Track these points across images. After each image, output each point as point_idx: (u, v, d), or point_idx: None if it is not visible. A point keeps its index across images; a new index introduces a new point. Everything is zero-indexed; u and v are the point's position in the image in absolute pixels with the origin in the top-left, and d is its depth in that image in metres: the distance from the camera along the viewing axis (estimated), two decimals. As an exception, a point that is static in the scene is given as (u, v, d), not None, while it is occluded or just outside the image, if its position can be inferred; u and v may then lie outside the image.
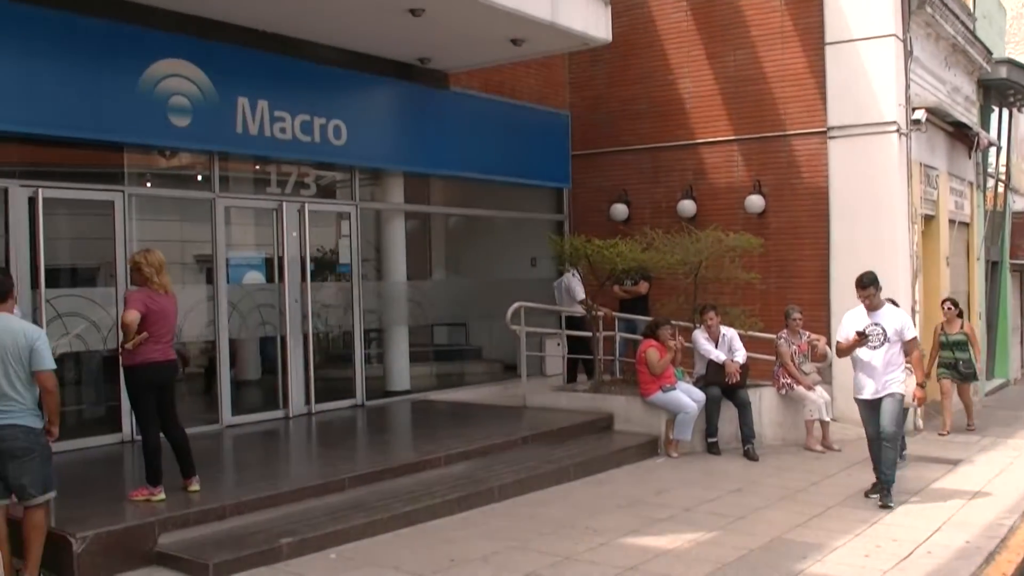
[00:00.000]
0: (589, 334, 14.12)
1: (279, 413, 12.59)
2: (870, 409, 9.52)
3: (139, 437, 8.44)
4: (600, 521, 8.56)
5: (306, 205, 12.84)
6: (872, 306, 9.56)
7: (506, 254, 17.10)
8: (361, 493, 8.91)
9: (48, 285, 10.11)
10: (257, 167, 12.97)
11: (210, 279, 12.02)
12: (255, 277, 12.83)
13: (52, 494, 6.86)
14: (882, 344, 9.41)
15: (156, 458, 8.14)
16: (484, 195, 16.05)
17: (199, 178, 12.08)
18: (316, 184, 13.66)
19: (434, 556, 7.57)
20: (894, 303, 10.40)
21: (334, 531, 7.93)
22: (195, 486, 8.38)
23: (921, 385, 9.86)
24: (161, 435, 8.26)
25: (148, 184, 11.69)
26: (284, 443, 11.78)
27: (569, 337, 14.83)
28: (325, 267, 14.12)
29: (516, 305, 13.50)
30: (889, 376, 9.40)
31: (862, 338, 9.43)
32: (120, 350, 8.22)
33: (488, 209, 16.35)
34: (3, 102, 9.63)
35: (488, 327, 16.37)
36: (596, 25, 12.89)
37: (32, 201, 10.05)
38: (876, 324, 9.46)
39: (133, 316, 7.93)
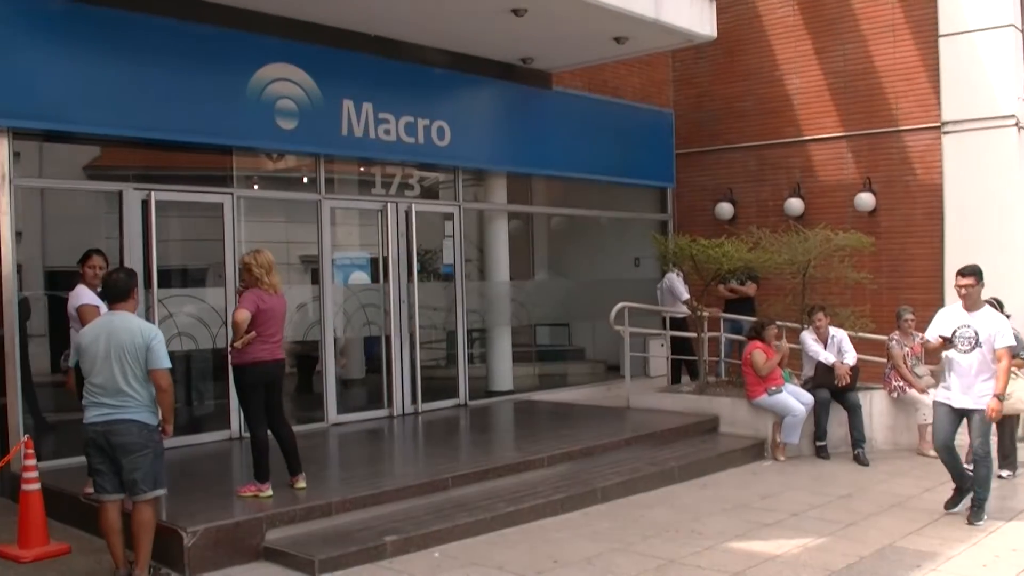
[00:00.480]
0: (693, 335, 13.97)
1: (383, 412, 12.70)
2: (949, 416, 8.70)
3: (247, 434, 8.56)
4: (705, 525, 8.45)
5: (412, 206, 12.92)
6: (970, 305, 8.67)
7: (609, 254, 17.01)
8: (464, 492, 8.92)
9: (160, 285, 10.34)
10: (361, 169, 13.10)
11: (315, 279, 12.17)
12: (360, 277, 12.95)
13: (161, 491, 6.96)
14: (972, 349, 8.54)
15: (264, 455, 8.25)
16: (587, 195, 16.00)
17: (305, 180, 12.25)
18: (420, 185, 13.75)
19: (537, 557, 7.53)
20: (997, 304, 9.95)
21: (438, 530, 7.94)
22: (301, 483, 8.48)
23: (999, 397, 8.55)
24: (269, 433, 8.37)
25: (256, 186, 11.88)
26: (388, 442, 11.87)
27: (673, 338, 14.69)
28: (429, 267, 14.20)
29: (620, 305, 13.40)
30: (981, 386, 8.52)
31: (947, 343, 8.62)
32: (230, 349, 8.35)
33: (591, 209, 16.30)
34: (118, 108, 9.91)
35: (591, 327, 16.33)
36: (700, 22, 12.76)
37: (145, 204, 10.28)
38: (968, 326, 8.60)
39: (243, 315, 8.06)
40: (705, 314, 13.38)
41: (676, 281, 14.46)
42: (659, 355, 15.34)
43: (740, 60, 16.66)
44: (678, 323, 14.62)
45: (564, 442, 10.65)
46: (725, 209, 16.57)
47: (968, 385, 8.57)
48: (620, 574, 7.13)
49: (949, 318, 8.83)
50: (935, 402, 8.94)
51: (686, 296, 14.12)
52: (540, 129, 14.48)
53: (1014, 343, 8.77)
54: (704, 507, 9.09)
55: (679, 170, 17.15)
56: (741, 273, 13.77)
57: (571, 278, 16.96)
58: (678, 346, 14.72)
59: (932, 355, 9.24)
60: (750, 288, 14.55)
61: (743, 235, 13.24)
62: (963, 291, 8.66)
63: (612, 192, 16.18)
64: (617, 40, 12.77)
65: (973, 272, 8.68)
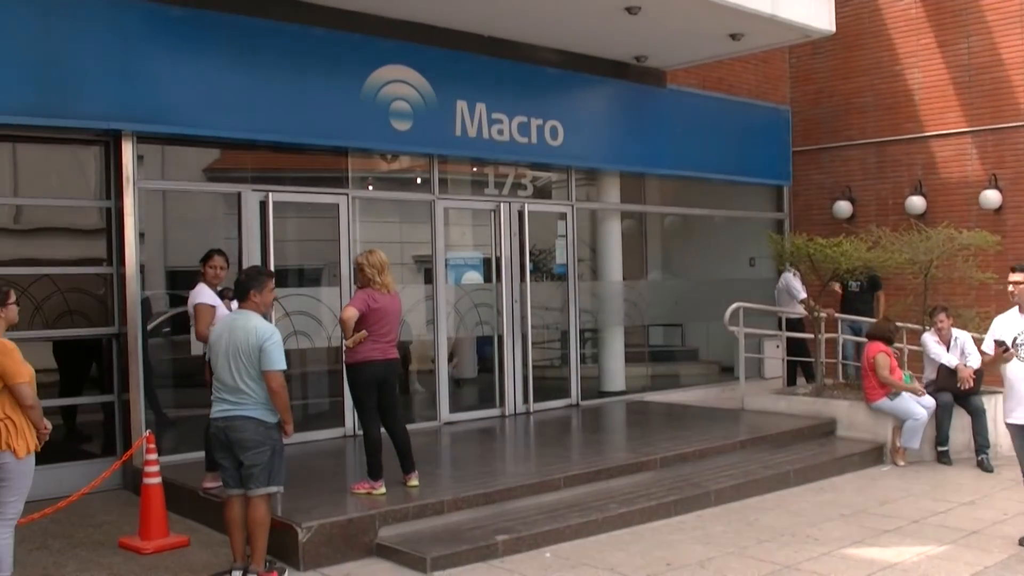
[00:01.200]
0: (810, 336, 13.72)
1: (495, 412, 12.75)
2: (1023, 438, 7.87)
3: (361, 432, 8.66)
4: (821, 530, 8.28)
5: (525, 205, 12.95)
6: None
7: (723, 254, 16.82)
8: (576, 493, 8.89)
9: (277, 285, 10.48)
10: (474, 169, 13.17)
11: (428, 279, 12.27)
12: (473, 277, 13.01)
13: (276, 489, 7.05)
14: None
15: (377, 453, 8.33)
16: (701, 194, 15.85)
17: (418, 180, 12.35)
18: (532, 185, 13.77)
19: (649, 559, 7.47)
20: None
21: (549, 530, 7.93)
22: (414, 482, 8.53)
23: None
24: (383, 431, 8.46)
25: (370, 187, 12.02)
26: (500, 441, 11.91)
27: (789, 339, 14.46)
28: (541, 267, 14.20)
29: (735, 306, 13.24)
30: None
31: (1003, 350, 7.78)
32: (343, 348, 8.45)
33: (705, 208, 16.14)
34: (237, 111, 10.15)
35: (705, 328, 16.19)
36: (818, 16, 12.54)
37: (263, 205, 10.49)
38: None
39: (350, 313, 8.15)
40: (822, 315, 13.13)
41: (792, 281, 14.23)
42: (774, 356, 15.11)
43: (859, 55, 16.32)
44: (794, 324, 14.39)
45: (677, 443, 10.56)
46: (843, 207, 16.26)
47: None
48: (733, 579, 7.05)
49: (1006, 324, 7.96)
50: (1008, 424, 7.96)
51: (803, 296, 13.88)
52: (654, 128, 14.38)
53: None
54: (820, 512, 8.92)
55: (796, 168, 16.89)
56: (859, 274, 13.42)
57: (685, 278, 16.81)
58: (794, 347, 14.47)
59: (990, 368, 8.37)
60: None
61: (862, 234, 12.95)
62: (1017, 288, 7.86)
63: (727, 191, 16.00)
64: (732, 37, 12.61)
65: None
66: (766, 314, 14.76)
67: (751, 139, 15.99)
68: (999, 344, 7.83)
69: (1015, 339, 7.77)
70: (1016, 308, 7.91)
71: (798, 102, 17.09)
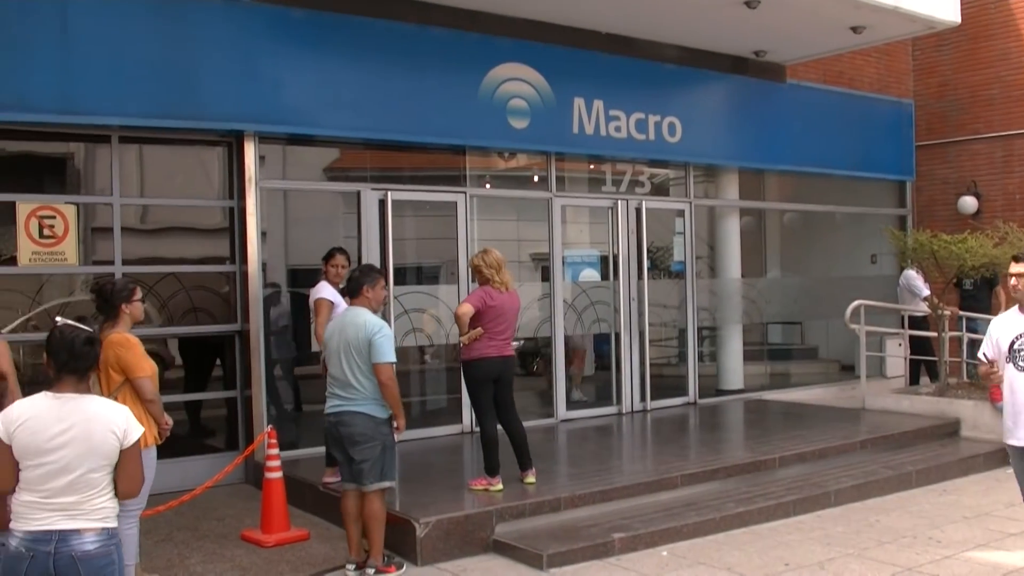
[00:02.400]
0: (933, 334, 13.39)
1: (612, 409, 12.71)
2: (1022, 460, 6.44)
3: (478, 428, 8.72)
4: (944, 532, 8.08)
5: (643, 202, 12.89)
6: None
7: (844, 250, 16.52)
8: (693, 491, 8.84)
9: (396, 282, 10.65)
10: (591, 166, 13.15)
11: (545, 277, 12.29)
12: (590, 275, 12.99)
13: (387, 483, 7.12)
14: None
15: (493, 450, 8.37)
16: (820, 190, 15.57)
17: (535, 179, 12.38)
18: (650, 182, 13.70)
19: (767, 559, 7.39)
20: None
21: (665, 528, 7.89)
22: (531, 478, 8.56)
23: None
24: (499, 427, 8.50)
25: (487, 185, 12.09)
26: (617, 439, 11.87)
27: (912, 337, 14.12)
28: (659, 265, 14.12)
29: (856, 303, 12.97)
30: None
31: (991, 364, 6.33)
32: (460, 345, 8.52)
33: (825, 204, 15.85)
34: (356, 111, 10.31)
35: (824, 326, 15.91)
36: (944, 7, 12.25)
37: (382, 203, 10.62)
38: None
39: (465, 310, 8.21)
40: (946, 313, 12.80)
41: (915, 278, 13.89)
42: (896, 355, 14.78)
43: (986, 46, 15.85)
44: (917, 322, 14.04)
45: (796, 443, 10.41)
46: (968, 203, 15.82)
47: None
48: (854, 581, 6.93)
49: (1004, 327, 6.40)
50: (1007, 445, 6.48)
51: (926, 293, 13.54)
52: (773, 123, 14.18)
53: None
54: (943, 514, 8.70)
55: (919, 162, 16.48)
56: (973, 272, 12.88)
57: (804, 275, 16.54)
58: (917, 346, 14.13)
59: (987, 379, 6.96)
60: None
61: (988, 230, 12.59)
62: (1016, 284, 6.29)
63: (847, 186, 15.69)
64: (854, 29, 12.38)
65: None
66: (888, 312, 14.43)
67: (873, 134, 15.66)
68: (989, 360, 6.36)
69: (1012, 344, 6.28)
70: (1016, 307, 6.37)
71: (921, 95, 16.67)
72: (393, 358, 7.03)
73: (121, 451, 4.27)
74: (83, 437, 4.21)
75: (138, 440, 4.35)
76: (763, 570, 7.14)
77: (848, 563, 7.26)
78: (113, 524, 4.31)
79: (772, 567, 7.21)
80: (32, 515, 4.18)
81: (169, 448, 6.62)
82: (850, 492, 9.14)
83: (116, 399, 6.21)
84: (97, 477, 4.24)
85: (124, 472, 4.31)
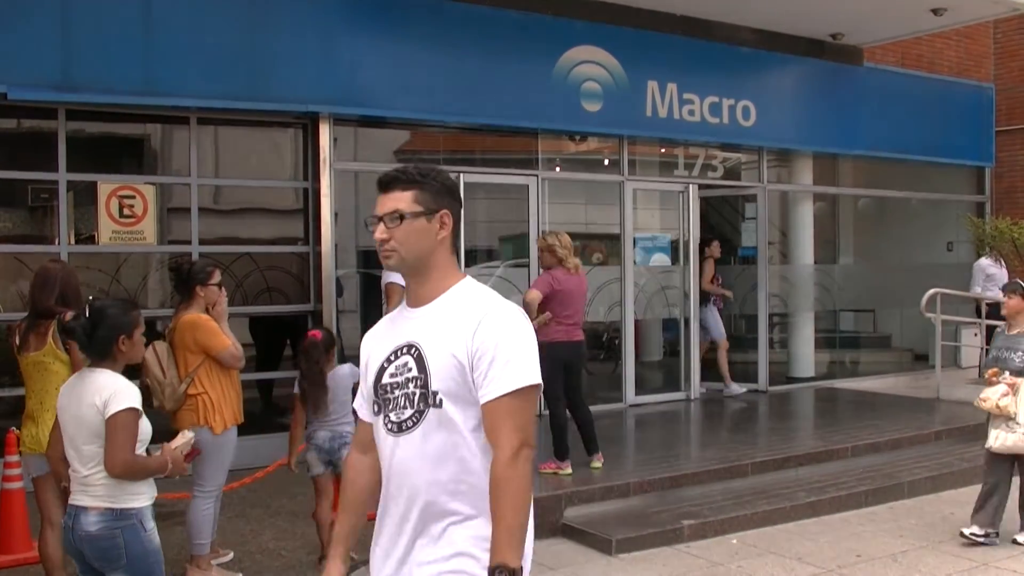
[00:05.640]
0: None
1: (681, 395, 12.65)
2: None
3: (547, 412, 8.72)
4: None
5: (714, 188, 12.78)
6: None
7: (919, 237, 16.25)
8: (763, 480, 8.80)
9: (467, 264, 10.68)
10: (663, 150, 13.06)
11: (613, 261, 12.26)
12: (660, 259, 12.92)
13: None
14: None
15: (563, 434, 8.39)
16: (895, 175, 15.33)
17: (606, 162, 12.33)
18: (722, 166, 13.58)
19: (839, 550, 7.33)
20: None
21: (735, 516, 7.87)
22: (598, 463, 8.58)
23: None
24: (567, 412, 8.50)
25: (558, 168, 12.06)
26: (685, 425, 11.82)
27: (989, 327, 13.86)
28: (730, 250, 14.01)
29: (931, 292, 12.76)
30: None
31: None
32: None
33: (901, 190, 15.60)
34: (429, 93, 10.34)
35: (898, 314, 15.69)
36: (1028, -11, 11.98)
37: (454, 185, 10.62)
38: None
39: (533, 295, 8.22)
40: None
41: (991, 268, 13.64)
42: (972, 345, 14.53)
43: (1070, 29, 15.50)
44: (995, 311, 13.78)
45: (868, 432, 10.29)
46: (1050, 190, 15.51)
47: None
48: (928, 574, 6.82)
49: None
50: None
51: (1006, 282, 13.29)
52: (849, 107, 13.95)
53: None
54: (1022, 508, 8.55)
55: (999, 148, 16.12)
56: None
57: (878, 262, 16.31)
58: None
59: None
60: None
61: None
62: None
63: (923, 172, 15.42)
64: (934, 12, 12.12)
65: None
66: (965, 300, 14.19)
67: (951, 119, 15.35)
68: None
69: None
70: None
71: (1003, 79, 16.32)
72: None
73: (104, 421, 4.25)
74: (75, 410, 4.32)
75: (122, 411, 4.23)
76: (835, 561, 7.08)
77: (922, 556, 7.18)
78: (121, 504, 4.29)
79: (844, 558, 7.14)
80: (72, 488, 4.36)
81: (242, 426, 6.67)
82: (924, 484, 9.02)
83: (194, 380, 6.32)
84: (90, 450, 4.28)
85: (105, 445, 4.25)
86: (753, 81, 12.87)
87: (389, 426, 3.06)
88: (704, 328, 12.87)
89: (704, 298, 12.71)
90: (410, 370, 3.01)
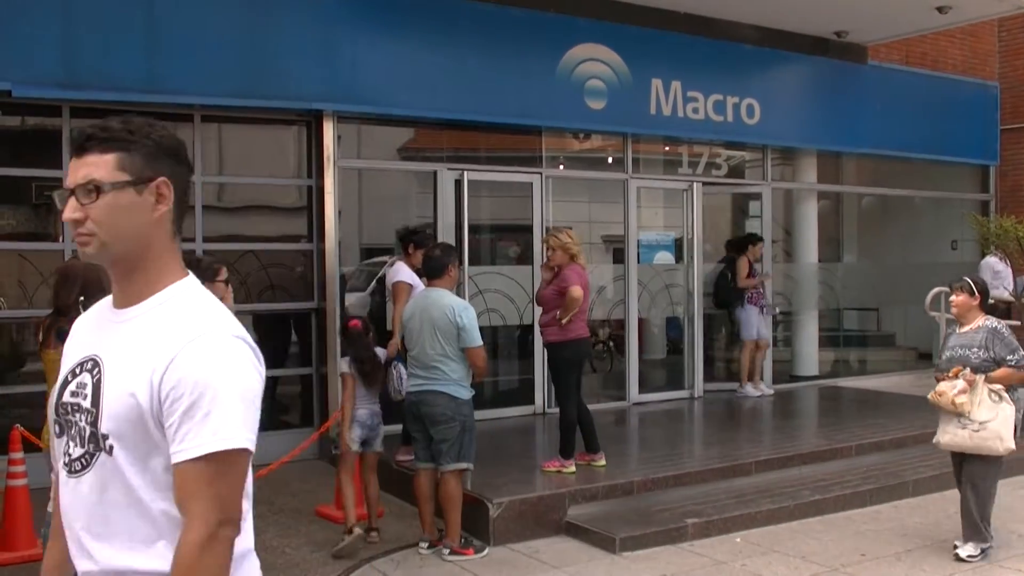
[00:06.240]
0: (1017, 322, 13.10)
1: (684, 393, 12.63)
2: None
3: (550, 410, 8.71)
4: (1027, 526, 7.93)
5: (718, 186, 12.75)
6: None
7: (923, 236, 16.23)
8: (767, 478, 8.77)
9: (470, 263, 10.67)
10: (667, 148, 13.04)
11: (617, 259, 12.23)
12: (664, 257, 12.91)
13: (464, 465, 7.13)
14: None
15: (573, 432, 8.39)
16: (899, 173, 15.31)
17: (610, 160, 12.31)
18: (726, 164, 13.56)
19: (843, 549, 7.31)
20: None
21: (739, 515, 7.85)
22: (601, 461, 8.57)
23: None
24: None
25: (562, 166, 12.05)
26: (688, 423, 11.81)
27: (993, 325, 13.82)
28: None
29: (936, 290, 12.72)
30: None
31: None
32: (547, 326, 8.46)
33: (904, 188, 15.59)
34: (432, 91, 10.31)
35: (902, 312, 15.66)
36: (1032, -12, 11.94)
37: (458, 183, 10.63)
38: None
39: (580, 291, 8.22)
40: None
41: (998, 265, 13.61)
42: (977, 343, 14.49)
43: (1076, 27, 15.46)
44: (1000, 309, 13.75)
45: (873, 431, 10.27)
46: (1055, 188, 15.48)
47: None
48: (933, 572, 6.81)
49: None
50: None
51: (1010, 281, 13.26)
52: (853, 105, 13.92)
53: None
54: (1025, 507, 8.53)
55: (1003, 147, 16.09)
56: None
57: (882, 261, 16.28)
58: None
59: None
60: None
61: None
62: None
63: (927, 170, 15.39)
64: (939, 10, 12.08)
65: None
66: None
67: (956, 117, 15.31)
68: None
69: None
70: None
71: (1007, 78, 16.27)
72: (481, 340, 7.11)
73: None
74: None
75: None
76: (839, 560, 7.06)
77: (926, 555, 7.16)
78: None
79: (848, 557, 7.12)
80: None
81: None
82: (929, 483, 8.98)
83: None
84: None
85: None
86: (757, 79, 12.85)
87: (64, 459, 2.32)
88: (736, 325, 12.82)
89: (739, 297, 12.60)
90: (85, 397, 2.28)
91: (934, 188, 15.81)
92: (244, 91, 9.33)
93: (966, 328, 7.23)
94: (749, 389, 12.63)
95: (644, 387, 12.41)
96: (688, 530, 7.52)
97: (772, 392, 12.76)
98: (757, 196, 13.42)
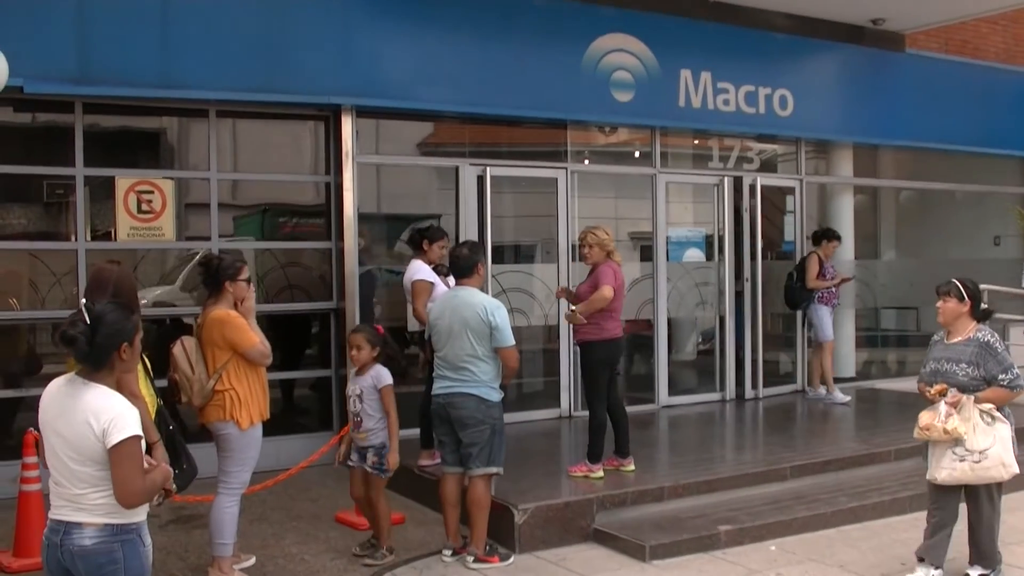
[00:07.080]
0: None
1: (716, 396, 12.36)
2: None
3: (577, 413, 8.50)
4: (1077, 533, 7.59)
5: (758, 179, 12.46)
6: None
7: (964, 231, 15.90)
8: (803, 484, 8.54)
9: (494, 261, 10.44)
10: (696, 141, 12.77)
11: (645, 256, 11.98)
12: (694, 254, 12.63)
13: (494, 469, 6.96)
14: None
15: (601, 436, 8.19)
16: (939, 166, 14.93)
17: (637, 154, 12.07)
18: (758, 158, 13.25)
19: (882, 557, 7.08)
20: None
21: (774, 522, 7.64)
22: (630, 466, 8.37)
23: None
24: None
25: (587, 161, 11.80)
26: (720, 427, 11.58)
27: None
28: (768, 244, 13.67)
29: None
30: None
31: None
32: (581, 325, 8.22)
33: (945, 182, 15.21)
34: (454, 85, 10.14)
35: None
36: (1078, -29, 11.59)
37: (480, 179, 10.42)
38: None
39: (610, 292, 7.99)
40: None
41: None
42: (1020, 344, 14.09)
43: (1121, 13, 15.01)
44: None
45: (911, 435, 9.91)
46: (1102, 182, 15.08)
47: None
48: (977, 583, 6.51)
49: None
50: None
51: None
52: (890, 95, 13.58)
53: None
54: (1075, 513, 8.18)
55: (1048, 138, 15.72)
56: None
57: (921, 257, 15.92)
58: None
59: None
60: None
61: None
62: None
63: (968, 163, 15.02)
64: (980, -7, 11.81)
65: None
66: (1013, 297, 13.77)
67: (998, 107, 14.92)
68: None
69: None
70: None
71: (1052, 66, 15.89)
72: (513, 340, 6.94)
73: (108, 451, 3.89)
74: (63, 427, 3.96)
75: (125, 441, 3.87)
76: (878, 569, 6.85)
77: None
78: (120, 520, 3.97)
79: (888, 566, 6.91)
80: (54, 502, 4.03)
81: (264, 427, 6.60)
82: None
83: (222, 377, 6.33)
84: (82, 471, 3.93)
85: (113, 476, 3.90)
86: (790, 69, 12.55)
87: None
88: (810, 327, 12.47)
89: (809, 296, 12.24)
90: None
91: (975, 182, 15.46)
92: (260, 85, 9.19)
93: (955, 339, 6.64)
94: (838, 395, 12.12)
95: (674, 389, 12.12)
96: (721, 537, 7.33)
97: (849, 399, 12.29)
98: (791, 190, 13.09)
